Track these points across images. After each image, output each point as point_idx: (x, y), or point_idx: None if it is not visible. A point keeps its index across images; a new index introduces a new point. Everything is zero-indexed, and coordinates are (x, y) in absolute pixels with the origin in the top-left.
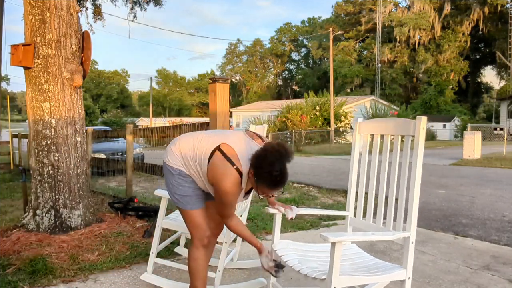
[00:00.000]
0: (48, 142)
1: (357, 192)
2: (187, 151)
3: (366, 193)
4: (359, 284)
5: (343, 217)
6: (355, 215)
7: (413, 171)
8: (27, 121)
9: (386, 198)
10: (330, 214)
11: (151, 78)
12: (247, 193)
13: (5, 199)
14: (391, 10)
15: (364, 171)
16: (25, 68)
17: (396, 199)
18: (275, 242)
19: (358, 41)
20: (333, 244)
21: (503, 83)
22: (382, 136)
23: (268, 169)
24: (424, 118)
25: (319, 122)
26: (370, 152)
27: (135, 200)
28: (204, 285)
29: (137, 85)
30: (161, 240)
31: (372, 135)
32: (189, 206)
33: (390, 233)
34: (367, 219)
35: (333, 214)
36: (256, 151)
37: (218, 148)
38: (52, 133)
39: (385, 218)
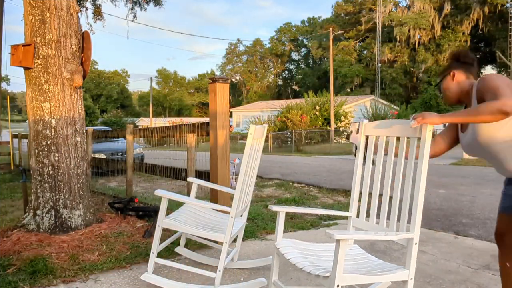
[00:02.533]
0: (48, 142)
1: (361, 192)
2: None
3: (370, 194)
4: (362, 283)
5: (343, 217)
6: (358, 216)
7: (419, 172)
8: (27, 121)
9: (390, 198)
10: (332, 214)
11: (151, 78)
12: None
13: (5, 199)
14: (391, 9)
15: (369, 172)
16: (25, 68)
17: (400, 200)
18: (278, 240)
19: (358, 41)
20: (338, 241)
21: None
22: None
23: None
24: None
25: (319, 122)
26: (375, 152)
27: (135, 200)
28: None
29: (137, 85)
30: (161, 240)
31: (378, 136)
32: None
33: (393, 233)
34: (370, 220)
35: (334, 214)
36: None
37: None
38: (52, 133)
39: (388, 218)
